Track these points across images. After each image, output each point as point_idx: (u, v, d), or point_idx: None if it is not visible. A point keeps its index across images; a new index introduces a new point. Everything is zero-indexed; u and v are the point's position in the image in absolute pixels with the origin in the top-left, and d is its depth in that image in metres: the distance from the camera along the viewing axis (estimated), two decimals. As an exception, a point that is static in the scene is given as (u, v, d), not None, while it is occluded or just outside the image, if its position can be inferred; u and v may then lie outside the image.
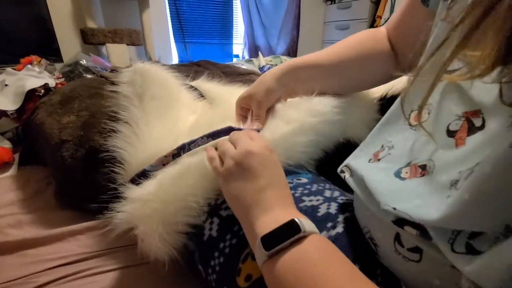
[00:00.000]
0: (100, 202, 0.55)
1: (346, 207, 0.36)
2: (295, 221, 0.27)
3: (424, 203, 0.23)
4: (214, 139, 0.41)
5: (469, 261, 0.18)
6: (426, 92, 0.25)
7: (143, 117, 0.47)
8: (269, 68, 1.18)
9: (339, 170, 0.36)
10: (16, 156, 0.77)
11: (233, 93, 0.65)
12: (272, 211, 0.29)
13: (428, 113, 0.28)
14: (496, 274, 0.17)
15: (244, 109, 0.49)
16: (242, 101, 0.48)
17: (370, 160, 0.33)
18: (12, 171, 0.73)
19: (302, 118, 0.44)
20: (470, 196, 0.18)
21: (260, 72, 1.13)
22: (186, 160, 0.40)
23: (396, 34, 0.47)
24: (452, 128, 0.24)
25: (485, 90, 0.23)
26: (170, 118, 0.49)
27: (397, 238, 0.27)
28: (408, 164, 0.27)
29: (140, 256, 0.36)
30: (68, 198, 0.59)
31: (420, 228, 0.22)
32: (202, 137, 0.41)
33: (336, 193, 0.39)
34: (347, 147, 0.47)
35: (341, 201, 0.37)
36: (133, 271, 0.46)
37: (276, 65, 1.30)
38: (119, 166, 0.43)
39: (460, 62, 0.24)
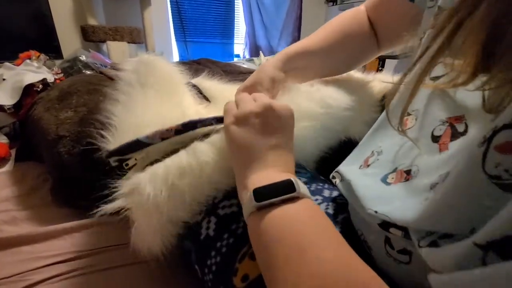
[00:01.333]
0: (96, 199, 0.55)
1: (345, 208, 0.36)
2: (291, 180, 0.26)
3: (403, 205, 0.23)
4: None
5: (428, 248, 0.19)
6: (406, 99, 0.25)
7: (142, 101, 0.45)
8: (269, 68, 1.17)
9: (331, 176, 0.36)
10: (13, 151, 0.77)
11: (234, 91, 0.64)
12: (271, 169, 0.29)
13: (415, 119, 0.28)
14: (443, 261, 0.17)
15: None
16: (246, 90, 0.47)
17: (360, 166, 0.34)
18: (8, 166, 0.72)
19: (312, 107, 0.44)
20: (441, 196, 0.18)
21: (260, 71, 1.12)
22: (184, 157, 0.38)
23: (375, 14, 0.50)
24: (436, 133, 0.24)
25: (469, 96, 0.23)
26: (170, 105, 0.48)
27: (387, 240, 0.27)
28: (394, 170, 0.27)
29: (132, 252, 0.35)
30: (64, 195, 0.58)
31: (404, 229, 0.22)
32: (213, 118, 0.39)
33: (335, 193, 0.39)
34: (347, 146, 0.46)
35: (340, 201, 0.37)
36: (128, 270, 0.45)
37: (276, 65, 1.30)
38: (106, 136, 0.40)
39: (445, 68, 0.24)
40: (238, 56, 3.04)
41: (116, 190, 0.36)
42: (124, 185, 0.36)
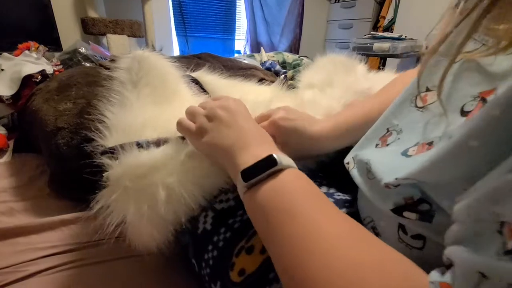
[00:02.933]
0: (94, 191, 0.55)
1: (343, 204, 0.36)
2: (272, 155, 0.28)
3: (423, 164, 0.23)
4: None
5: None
6: (444, 70, 0.24)
7: (136, 102, 0.45)
8: (271, 64, 1.16)
9: (345, 160, 0.35)
10: (11, 143, 0.76)
11: (236, 86, 0.64)
12: (252, 149, 0.31)
13: (438, 95, 0.27)
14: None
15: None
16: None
17: (377, 145, 0.33)
18: (6, 157, 0.72)
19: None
20: (460, 137, 0.19)
21: (261, 67, 1.11)
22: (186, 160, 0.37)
23: None
24: (466, 108, 0.23)
25: (504, 65, 0.22)
26: (164, 106, 0.48)
27: (401, 226, 0.27)
28: (416, 144, 0.27)
29: (128, 245, 0.35)
30: (61, 186, 0.58)
31: (420, 211, 0.22)
32: None
33: (333, 189, 0.39)
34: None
35: (337, 197, 0.37)
36: (125, 262, 0.45)
37: (278, 61, 1.29)
38: (102, 131, 0.41)
39: (475, 42, 0.23)
40: (239, 52, 3.02)
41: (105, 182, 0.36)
42: (119, 166, 0.36)
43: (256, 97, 0.54)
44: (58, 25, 1.71)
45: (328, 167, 0.45)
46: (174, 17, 2.54)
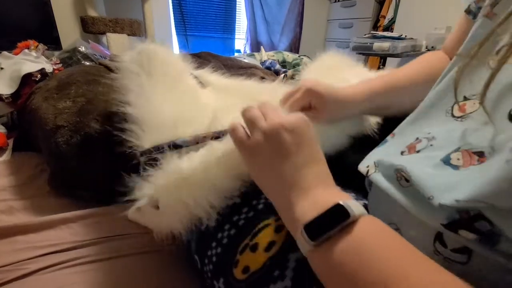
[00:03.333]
0: (94, 190, 0.55)
1: None
2: (341, 205, 0.23)
3: (482, 182, 0.20)
4: None
5: None
6: (489, 76, 0.23)
7: (159, 92, 0.44)
8: (271, 63, 1.16)
9: (364, 164, 0.34)
10: (10, 141, 0.76)
11: (236, 86, 0.63)
12: (312, 193, 0.26)
13: (479, 103, 0.26)
14: None
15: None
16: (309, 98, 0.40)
17: (403, 152, 0.31)
18: (5, 156, 0.72)
19: None
20: None
21: (261, 66, 1.11)
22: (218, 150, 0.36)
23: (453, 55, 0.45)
24: None
25: None
26: (185, 92, 0.47)
27: (439, 237, 0.24)
28: (457, 150, 0.24)
29: (138, 241, 0.34)
30: (61, 185, 0.58)
31: (480, 232, 0.20)
32: None
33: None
34: (353, 140, 0.46)
35: None
36: (125, 260, 0.45)
37: (278, 60, 1.29)
38: (135, 131, 0.40)
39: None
40: (238, 51, 3.02)
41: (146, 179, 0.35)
42: (162, 174, 0.35)
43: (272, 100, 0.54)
44: (58, 23, 1.70)
45: (330, 162, 0.45)
46: (174, 16, 2.54)
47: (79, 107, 0.56)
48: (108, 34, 1.74)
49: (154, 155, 0.36)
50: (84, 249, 0.46)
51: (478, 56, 0.25)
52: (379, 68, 2.32)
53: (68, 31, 1.84)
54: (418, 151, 0.29)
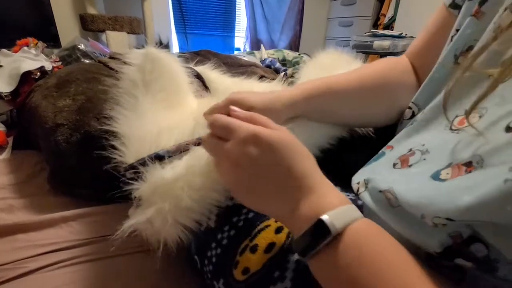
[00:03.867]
0: (93, 188, 0.54)
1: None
2: (321, 221, 0.22)
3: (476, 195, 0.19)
4: None
5: None
6: (485, 90, 0.22)
7: (150, 109, 0.43)
8: (271, 61, 1.16)
9: (355, 181, 0.33)
10: (10, 139, 0.76)
11: (239, 86, 0.63)
12: (298, 206, 0.25)
13: (480, 116, 0.25)
14: None
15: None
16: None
17: (395, 164, 0.30)
18: (5, 154, 0.72)
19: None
20: None
21: (261, 64, 1.11)
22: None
23: (423, 60, 0.42)
24: None
25: None
26: (175, 109, 0.46)
27: (429, 255, 0.24)
28: (449, 165, 0.24)
29: (130, 241, 0.34)
30: (61, 183, 0.58)
31: (476, 259, 0.20)
32: None
33: (337, 189, 0.38)
34: (349, 140, 0.46)
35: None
36: (125, 259, 0.45)
37: (278, 58, 1.29)
38: (119, 148, 0.40)
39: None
40: (238, 49, 3.01)
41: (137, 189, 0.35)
42: (146, 186, 0.35)
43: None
44: (57, 21, 1.69)
45: (328, 162, 0.45)
46: (173, 14, 2.53)
47: (79, 105, 0.56)
48: (108, 32, 1.73)
49: (138, 169, 0.36)
50: (84, 248, 0.46)
51: (474, 68, 0.24)
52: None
53: (67, 29, 1.84)
54: (410, 165, 0.28)
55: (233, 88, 0.60)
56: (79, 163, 0.53)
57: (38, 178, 0.63)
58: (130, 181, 0.35)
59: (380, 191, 0.28)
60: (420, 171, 0.26)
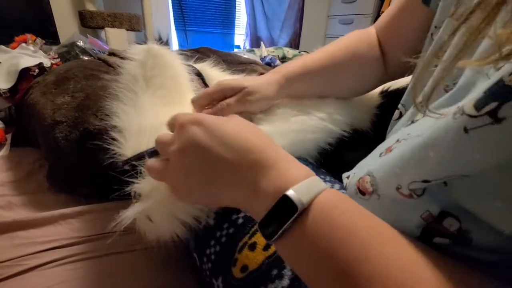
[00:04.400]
0: (93, 186, 0.54)
1: None
2: (286, 196, 0.21)
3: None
4: None
5: None
6: (436, 81, 0.23)
7: (149, 104, 0.44)
8: (271, 59, 1.16)
9: (345, 175, 0.34)
10: (9, 136, 0.76)
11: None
12: (258, 185, 0.23)
13: (413, 100, 0.27)
14: None
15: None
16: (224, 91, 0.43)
17: (381, 154, 0.31)
18: (4, 151, 0.71)
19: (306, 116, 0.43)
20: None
21: (261, 62, 1.10)
22: None
23: (388, 36, 0.46)
24: None
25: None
26: (175, 107, 0.47)
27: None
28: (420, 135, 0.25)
29: (129, 239, 0.34)
30: (60, 181, 0.57)
31: (451, 234, 0.20)
32: None
33: (337, 186, 0.38)
34: (348, 137, 0.46)
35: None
36: (125, 256, 0.45)
37: (278, 56, 1.28)
38: (118, 141, 0.40)
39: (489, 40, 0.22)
40: (238, 47, 3.00)
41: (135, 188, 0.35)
42: (145, 182, 0.35)
43: None
44: (56, 18, 1.68)
45: (329, 159, 0.45)
46: (173, 11, 2.52)
47: (78, 103, 0.55)
48: (107, 28, 1.72)
49: (136, 163, 0.36)
50: (84, 245, 0.46)
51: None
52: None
53: (66, 25, 1.82)
54: (392, 150, 0.29)
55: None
56: (78, 160, 0.53)
57: (37, 176, 0.63)
58: (129, 179, 0.35)
59: (358, 180, 0.29)
60: (401, 150, 0.26)
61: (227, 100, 0.42)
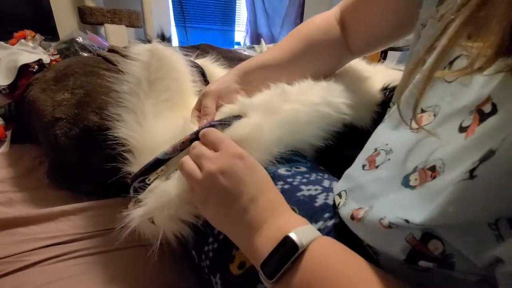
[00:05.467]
0: (92, 182, 0.54)
1: None
2: (289, 237, 0.24)
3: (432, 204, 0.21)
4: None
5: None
6: (419, 91, 0.23)
7: (153, 110, 0.44)
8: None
9: (335, 191, 0.34)
10: (8, 133, 0.76)
11: None
12: (265, 229, 0.27)
13: (434, 115, 0.26)
14: None
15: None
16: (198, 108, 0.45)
17: (364, 166, 0.31)
18: (4, 148, 0.71)
19: (304, 106, 0.42)
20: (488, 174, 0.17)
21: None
22: None
23: (353, 18, 0.48)
24: (464, 124, 0.22)
25: (488, 78, 0.21)
26: (178, 112, 0.47)
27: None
28: (415, 170, 0.25)
29: (130, 235, 0.35)
30: (60, 177, 0.58)
31: (435, 258, 0.21)
32: (218, 122, 0.39)
33: (334, 183, 0.39)
34: (348, 135, 0.46)
35: None
36: (125, 253, 0.45)
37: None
38: (126, 153, 0.41)
39: (462, 52, 0.22)
40: (238, 44, 2.99)
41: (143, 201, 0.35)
42: (153, 196, 0.35)
43: None
44: (55, 14, 1.68)
45: (328, 157, 0.45)
46: (173, 7, 2.50)
47: (78, 99, 0.55)
48: (106, 25, 1.71)
49: (143, 178, 0.37)
50: (84, 242, 0.46)
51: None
52: (379, 61, 2.30)
53: (65, 21, 1.81)
54: (377, 166, 0.29)
55: None
56: (78, 157, 0.53)
57: (38, 172, 0.63)
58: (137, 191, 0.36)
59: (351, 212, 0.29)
60: (388, 175, 0.27)
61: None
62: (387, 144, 0.30)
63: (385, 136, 0.32)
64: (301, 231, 0.25)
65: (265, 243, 0.26)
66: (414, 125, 0.27)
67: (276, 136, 0.38)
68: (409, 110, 0.28)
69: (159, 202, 0.34)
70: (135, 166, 0.39)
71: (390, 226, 0.23)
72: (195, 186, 0.31)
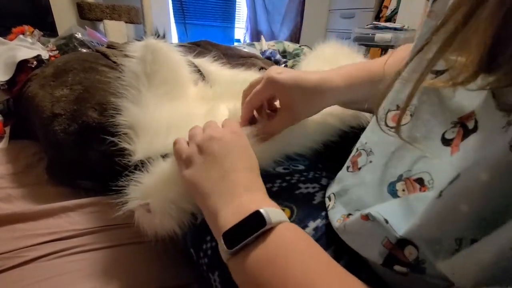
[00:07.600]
0: (92, 179, 0.54)
1: None
2: (259, 212, 0.24)
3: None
4: None
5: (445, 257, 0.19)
6: (409, 94, 0.23)
7: (155, 103, 0.44)
8: (271, 53, 1.15)
9: (326, 194, 0.34)
10: (7, 129, 0.75)
11: (236, 78, 0.62)
12: (237, 200, 0.27)
13: (411, 115, 0.26)
14: (469, 273, 0.17)
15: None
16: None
17: (348, 168, 0.32)
18: (2, 144, 0.71)
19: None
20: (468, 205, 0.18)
21: (261, 56, 1.10)
22: None
23: None
24: (448, 136, 0.23)
25: (473, 92, 0.22)
26: (179, 102, 0.48)
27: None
28: (400, 178, 0.25)
29: (137, 231, 0.35)
30: (59, 174, 0.57)
31: (409, 264, 0.21)
32: None
33: (330, 183, 0.39)
34: (354, 133, 0.46)
35: None
36: (124, 249, 0.45)
37: (278, 50, 1.27)
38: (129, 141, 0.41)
39: (447, 64, 0.22)
40: (238, 41, 2.98)
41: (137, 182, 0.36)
42: (149, 176, 0.36)
43: None
44: (54, 9, 1.66)
45: (326, 155, 0.45)
46: (172, 3, 2.49)
47: (76, 95, 0.55)
48: (105, 21, 1.70)
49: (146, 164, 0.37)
50: (83, 238, 0.46)
51: (417, 65, 0.24)
52: (380, 60, 2.30)
53: (64, 17, 1.80)
54: (360, 168, 0.30)
55: (232, 80, 0.60)
56: (77, 153, 0.53)
57: (37, 168, 0.63)
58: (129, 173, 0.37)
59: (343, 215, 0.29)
60: (373, 179, 0.27)
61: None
62: (366, 143, 0.30)
63: (365, 134, 0.32)
64: (272, 211, 0.25)
65: (232, 214, 0.26)
66: (390, 123, 0.27)
67: (281, 145, 0.39)
68: (384, 103, 0.28)
69: (154, 180, 0.35)
70: (137, 144, 0.40)
71: (368, 217, 0.23)
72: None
